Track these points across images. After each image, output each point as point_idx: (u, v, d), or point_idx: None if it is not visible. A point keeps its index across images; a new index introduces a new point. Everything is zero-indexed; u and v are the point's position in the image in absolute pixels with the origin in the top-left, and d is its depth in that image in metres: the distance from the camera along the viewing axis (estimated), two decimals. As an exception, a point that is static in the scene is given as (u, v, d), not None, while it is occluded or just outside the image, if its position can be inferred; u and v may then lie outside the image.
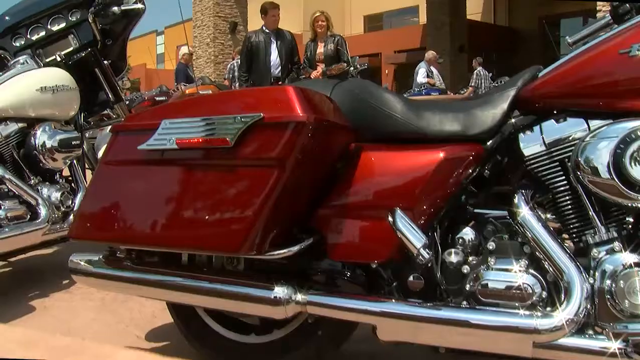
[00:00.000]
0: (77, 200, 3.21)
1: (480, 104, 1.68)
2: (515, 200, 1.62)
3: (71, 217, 3.12)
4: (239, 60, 8.10)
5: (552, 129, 1.61)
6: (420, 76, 12.83)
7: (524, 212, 1.60)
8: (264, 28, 7.69)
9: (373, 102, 1.72)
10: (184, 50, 11.89)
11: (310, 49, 7.56)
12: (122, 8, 3.47)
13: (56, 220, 3.06)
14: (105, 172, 1.81)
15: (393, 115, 1.69)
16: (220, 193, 1.61)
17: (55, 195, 3.10)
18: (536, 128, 1.63)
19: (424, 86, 12.69)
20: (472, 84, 13.31)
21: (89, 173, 3.66)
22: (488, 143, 1.65)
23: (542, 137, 1.62)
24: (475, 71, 13.28)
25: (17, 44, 3.48)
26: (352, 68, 9.70)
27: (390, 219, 1.58)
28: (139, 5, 3.53)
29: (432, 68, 13.27)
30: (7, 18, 3.57)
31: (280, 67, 7.45)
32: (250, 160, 1.55)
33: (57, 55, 3.43)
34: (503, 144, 1.68)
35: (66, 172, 3.39)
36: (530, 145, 1.63)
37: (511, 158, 1.69)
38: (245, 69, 7.69)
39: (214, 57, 19.99)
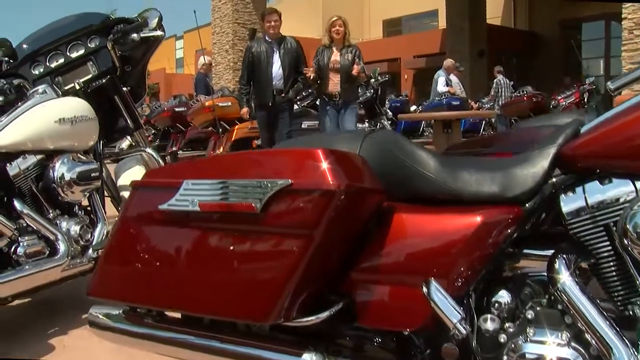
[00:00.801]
0: (97, 233, 3.17)
1: (519, 163, 1.58)
2: (556, 265, 1.52)
3: (90, 251, 3.07)
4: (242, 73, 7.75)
5: (596, 190, 1.52)
6: (440, 85, 12.72)
7: (564, 278, 1.50)
8: (265, 37, 7.39)
9: (406, 160, 1.63)
10: (204, 60, 11.86)
11: (323, 55, 7.12)
12: (142, 35, 3.42)
13: (75, 255, 3.02)
14: (125, 230, 1.74)
15: (427, 175, 1.60)
16: (246, 259, 1.53)
17: (75, 229, 3.05)
18: (579, 189, 1.54)
19: (444, 95, 12.58)
20: (493, 93, 13.17)
21: (107, 200, 3.61)
22: (527, 204, 1.56)
23: (585, 199, 1.52)
24: (496, 80, 13.14)
25: (36, 72, 3.45)
26: (372, 80, 9.65)
27: (424, 289, 1.49)
28: (159, 33, 3.48)
29: (452, 76, 13.16)
30: (25, 46, 3.54)
31: (283, 79, 7.15)
32: (277, 227, 1.47)
33: (75, 83, 3.40)
34: (543, 205, 1.59)
35: (85, 202, 3.34)
36: (572, 207, 1.53)
37: (551, 220, 1.60)
38: (246, 81, 7.41)
39: (232, 64, 19.99)
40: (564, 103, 12.45)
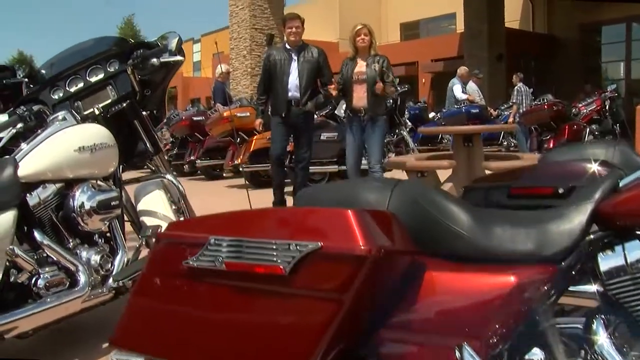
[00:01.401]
0: (116, 262, 3.13)
1: (555, 219, 1.53)
2: (593, 326, 1.47)
3: (110, 280, 3.04)
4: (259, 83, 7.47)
5: (637, 250, 1.46)
6: (458, 92, 12.65)
7: (602, 339, 1.45)
8: (285, 44, 7.09)
9: (436, 215, 1.58)
10: (222, 68, 11.85)
11: (348, 68, 6.61)
12: (162, 60, 3.38)
13: (96, 285, 2.98)
14: (149, 281, 1.70)
15: (459, 232, 1.55)
16: (272, 320, 1.49)
17: (95, 259, 3.02)
18: (618, 248, 1.48)
19: (463, 103, 12.50)
20: (514, 101, 13.04)
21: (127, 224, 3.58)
22: (563, 263, 1.50)
23: (625, 259, 1.46)
24: (516, 87, 13.02)
25: (56, 96, 3.43)
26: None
27: (457, 354, 1.44)
28: (179, 58, 3.44)
29: (471, 83, 13.07)
30: (45, 71, 3.52)
31: (299, 89, 6.78)
32: (306, 290, 1.42)
33: (95, 108, 3.36)
34: (579, 263, 1.53)
35: (105, 228, 3.30)
36: (611, 266, 1.48)
37: (588, 279, 1.54)
38: (262, 91, 7.12)
39: (250, 70, 20.03)
40: (585, 111, 12.30)
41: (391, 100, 9.59)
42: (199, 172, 11.65)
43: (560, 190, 2.30)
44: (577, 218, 1.51)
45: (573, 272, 1.54)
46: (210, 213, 1.68)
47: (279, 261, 1.43)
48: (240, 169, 9.01)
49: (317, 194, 1.87)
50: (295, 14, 7.12)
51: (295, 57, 6.85)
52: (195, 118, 11.63)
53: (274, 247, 1.44)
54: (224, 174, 11.05)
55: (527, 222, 1.56)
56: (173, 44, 3.48)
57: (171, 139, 12.23)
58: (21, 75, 4.55)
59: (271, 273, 1.44)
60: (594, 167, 2.33)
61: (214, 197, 8.94)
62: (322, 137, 8.44)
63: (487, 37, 22.62)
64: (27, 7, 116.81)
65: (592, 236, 1.52)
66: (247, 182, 8.82)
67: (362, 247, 1.36)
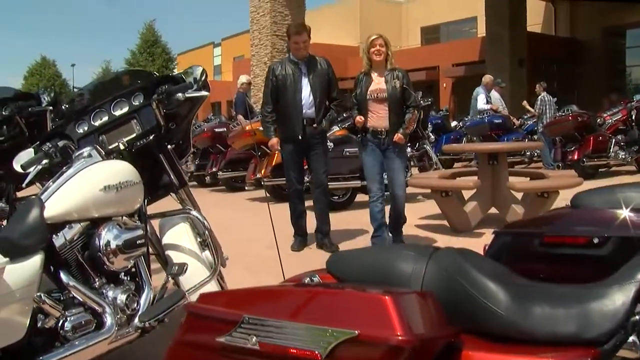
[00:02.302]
0: (142, 300, 3.11)
1: (597, 298, 1.48)
2: None
3: (136, 320, 3.02)
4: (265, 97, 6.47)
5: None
6: (481, 102, 12.57)
7: None
8: (291, 56, 6.28)
9: (473, 292, 1.54)
10: (243, 79, 11.88)
11: (362, 84, 5.87)
12: (187, 95, 3.36)
13: (122, 325, 2.96)
14: (179, 354, 1.68)
15: (495, 311, 1.51)
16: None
17: (121, 298, 3.00)
18: (663, 330, 1.44)
19: (486, 113, 12.41)
20: (537, 111, 12.93)
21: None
22: (605, 346, 1.46)
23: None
24: (540, 97, 12.90)
25: (80, 130, 3.42)
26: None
27: None
28: (204, 93, 3.42)
29: (493, 92, 12.98)
30: (70, 105, 3.53)
31: (314, 106, 6.08)
32: (342, 376, 1.39)
33: (120, 143, 3.35)
34: (622, 345, 1.48)
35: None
36: (658, 350, 1.43)
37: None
38: (270, 107, 6.26)
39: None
40: (610, 121, 12.17)
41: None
42: (220, 182, 11.67)
43: (595, 240, 2.26)
44: (620, 299, 1.46)
45: (616, 355, 1.49)
46: (232, 229, 1.65)
47: (314, 346, 1.40)
48: (262, 183, 8.99)
49: (351, 260, 1.83)
50: (302, 25, 6.47)
51: (305, 71, 6.14)
52: (217, 130, 11.68)
53: (310, 331, 1.41)
54: (246, 187, 11.06)
55: (568, 302, 1.51)
56: (198, 78, 3.46)
57: (193, 150, 12.26)
58: (46, 100, 4.59)
59: (306, 357, 1.41)
60: (625, 213, 2.29)
61: (235, 212, 8.96)
62: (344, 153, 8.40)
63: (509, 42, 22.52)
64: (48, 11, 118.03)
65: (637, 317, 1.48)
66: (267, 195, 8.82)
67: (400, 337, 1.33)
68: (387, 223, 6.04)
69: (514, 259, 2.57)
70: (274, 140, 6.31)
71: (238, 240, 6.47)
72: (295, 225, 6.43)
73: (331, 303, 1.50)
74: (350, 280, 1.74)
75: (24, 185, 3.80)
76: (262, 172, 9.00)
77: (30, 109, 4.44)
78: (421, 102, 9.36)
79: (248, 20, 21.40)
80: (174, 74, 3.62)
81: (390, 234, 6.03)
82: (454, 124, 15.18)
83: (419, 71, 27.88)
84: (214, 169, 11.31)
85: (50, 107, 4.45)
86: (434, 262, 1.64)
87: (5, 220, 4.30)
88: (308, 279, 1.77)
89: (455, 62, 28.23)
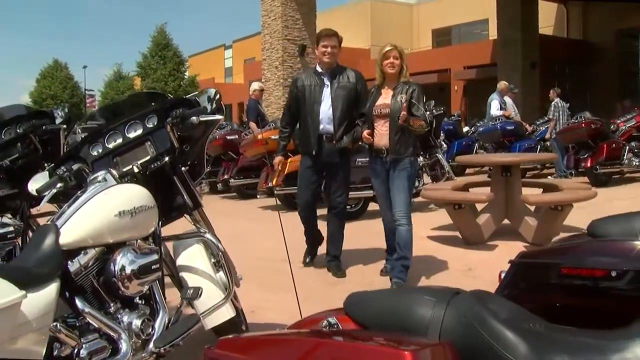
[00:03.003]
0: (157, 325, 3.12)
1: (618, 351, 1.46)
2: None
3: (151, 345, 3.03)
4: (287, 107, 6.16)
5: None
6: (494, 109, 12.53)
7: None
8: (316, 67, 5.88)
9: (491, 341, 1.53)
10: (255, 86, 11.90)
11: (371, 98, 5.44)
12: (201, 119, 3.36)
13: (137, 350, 2.97)
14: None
15: (514, 364, 1.50)
16: None
17: (136, 323, 3.00)
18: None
19: (498, 119, 12.37)
20: (550, 117, 12.87)
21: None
22: None
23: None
24: (553, 103, 12.85)
25: (95, 152, 3.44)
26: (427, 113, 9.47)
27: None
28: (218, 117, 3.43)
29: (506, 98, 12.94)
30: (85, 127, 3.54)
31: (334, 121, 5.61)
32: None
33: (134, 166, 3.36)
34: None
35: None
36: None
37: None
38: (287, 122, 6.00)
39: (282, 81, 20.10)
40: (623, 127, 12.10)
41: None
42: (232, 189, 11.70)
43: (613, 274, 2.25)
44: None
45: None
46: (244, 240, 1.62)
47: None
48: (274, 192, 8.99)
49: (370, 303, 1.83)
50: (332, 30, 5.76)
51: (328, 83, 5.65)
52: (228, 137, 11.70)
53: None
54: (258, 196, 11.07)
55: (588, 353, 1.50)
56: (212, 101, 3.47)
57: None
58: (60, 117, 4.62)
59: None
60: (643, 245, 2.28)
61: (247, 222, 8.98)
62: (357, 163, 8.35)
63: (521, 45, 22.47)
64: (61, 14, 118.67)
65: (657, 370, 1.46)
66: (278, 203, 8.85)
67: (420, 397, 1.32)
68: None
69: (530, 288, 2.56)
70: (277, 159, 6.11)
71: (251, 251, 6.49)
72: (307, 241, 6.28)
73: (344, 355, 1.50)
74: (368, 324, 1.73)
75: (38, 208, 3.81)
76: (274, 181, 8.99)
77: (44, 127, 4.47)
78: (433, 110, 9.38)
79: (259, 22, 21.45)
80: (188, 96, 3.61)
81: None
82: (465, 129, 15.13)
83: (430, 74, 27.85)
84: (225, 176, 11.34)
85: (64, 126, 4.48)
86: (452, 308, 1.63)
87: (19, 239, 4.34)
88: (326, 322, 1.76)
89: (467, 65, 28.15)
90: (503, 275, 2.64)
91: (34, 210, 4.50)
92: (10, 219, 4.40)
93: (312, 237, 6.25)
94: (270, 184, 9.22)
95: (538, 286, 2.52)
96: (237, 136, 11.46)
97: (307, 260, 6.22)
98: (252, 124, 11.25)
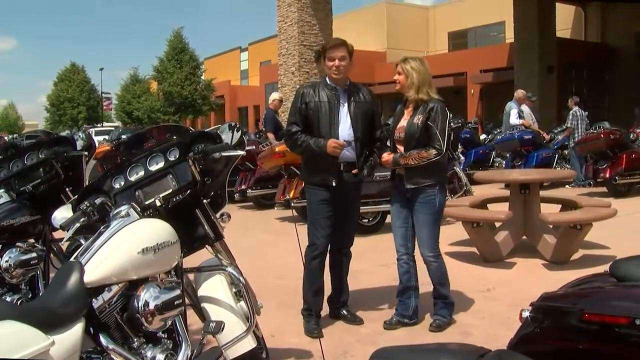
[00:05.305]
0: (180, 359, 3.15)
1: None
2: None
3: (173, 380, 3.06)
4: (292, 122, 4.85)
5: None
6: (513, 117, 12.47)
7: None
8: (327, 80, 4.77)
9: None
10: (275, 95, 11.94)
11: (395, 119, 4.90)
12: (223, 154, 3.39)
13: (160, 385, 3.00)
14: None
15: None
16: None
17: (159, 358, 3.03)
18: None
19: (516, 128, 12.32)
20: (568, 125, 12.80)
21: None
22: None
23: None
24: (572, 111, 12.77)
25: (117, 185, 3.47)
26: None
27: None
28: (240, 153, 3.46)
29: (524, 106, 12.89)
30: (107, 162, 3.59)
31: (355, 146, 4.65)
32: None
33: (156, 200, 3.39)
34: None
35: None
36: None
37: None
38: (298, 127, 4.77)
39: (299, 86, 20.08)
40: (643, 136, 12.04)
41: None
42: (248, 199, 11.74)
43: (638, 322, 2.24)
44: None
45: None
46: (262, 258, 1.61)
47: None
48: (291, 205, 9.02)
49: (396, 358, 1.83)
50: (340, 40, 4.77)
51: (345, 100, 4.70)
52: (246, 148, 11.70)
53: None
54: (275, 207, 11.11)
55: None
56: (233, 134, 3.51)
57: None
58: (81, 143, 4.67)
59: None
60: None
61: (265, 235, 9.03)
62: (374, 177, 8.36)
63: (538, 48, 22.37)
64: (77, 16, 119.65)
65: None
66: (294, 214, 8.89)
67: None
68: (417, 287, 4.90)
69: (552, 331, 2.56)
70: (330, 141, 4.55)
71: (269, 269, 6.52)
72: (312, 301, 4.86)
73: None
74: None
75: (62, 243, 3.85)
76: (292, 193, 9.02)
77: (65, 153, 4.53)
78: (451, 124, 9.33)
79: (275, 24, 21.50)
80: (209, 129, 3.65)
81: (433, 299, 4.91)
82: (482, 136, 15.08)
83: (447, 77, 27.79)
84: (242, 187, 11.36)
85: (85, 152, 4.53)
86: None
87: (42, 263, 4.38)
88: None
89: (483, 69, 28.10)
90: (524, 314, 2.64)
91: (56, 234, 4.56)
92: (33, 244, 4.45)
93: (318, 301, 4.93)
94: (287, 197, 9.24)
95: (560, 329, 2.52)
96: (254, 147, 11.48)
97: (316, 333, 4.70)
98: (270, 135, 11.27)
